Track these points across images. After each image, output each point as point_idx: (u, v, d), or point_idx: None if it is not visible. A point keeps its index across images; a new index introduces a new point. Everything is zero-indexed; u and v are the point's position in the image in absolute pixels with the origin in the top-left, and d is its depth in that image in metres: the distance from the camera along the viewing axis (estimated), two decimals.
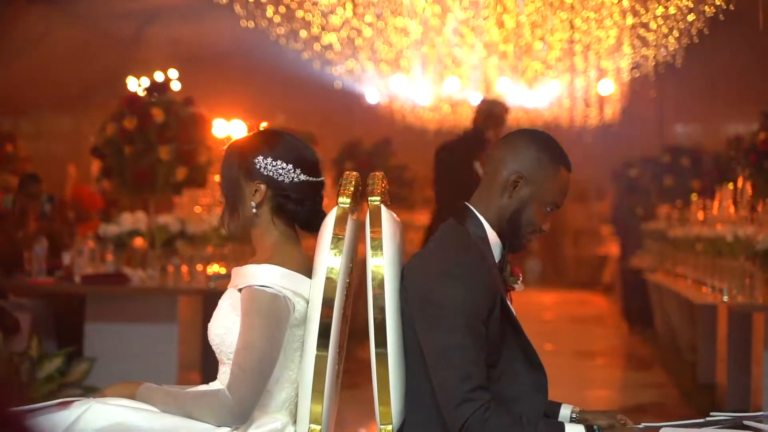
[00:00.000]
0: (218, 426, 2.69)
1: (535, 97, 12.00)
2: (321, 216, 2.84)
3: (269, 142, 2.84)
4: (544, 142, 2.82)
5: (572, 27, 9.10)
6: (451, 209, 2.85)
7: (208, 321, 2.82)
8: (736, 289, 5.85)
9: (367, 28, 9.31)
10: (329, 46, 9.39)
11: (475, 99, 10.69)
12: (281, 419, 2.77)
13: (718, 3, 7.09)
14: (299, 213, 2.83)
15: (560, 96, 11.93)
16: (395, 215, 2.87)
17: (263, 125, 6.69)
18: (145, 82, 6.73)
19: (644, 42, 8.77)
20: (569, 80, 11.28)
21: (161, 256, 6.49)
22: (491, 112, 7.67)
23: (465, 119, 11.06)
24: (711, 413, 2.78)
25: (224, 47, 12.38)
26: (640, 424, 2.79)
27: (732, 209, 6.54)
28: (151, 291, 6.21)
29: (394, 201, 3.17)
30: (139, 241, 6.56)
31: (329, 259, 2.72)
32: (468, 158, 7.41)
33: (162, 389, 2.79)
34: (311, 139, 8.64)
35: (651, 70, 9.10)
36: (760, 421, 2.76)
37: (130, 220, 6.58)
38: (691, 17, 7.76)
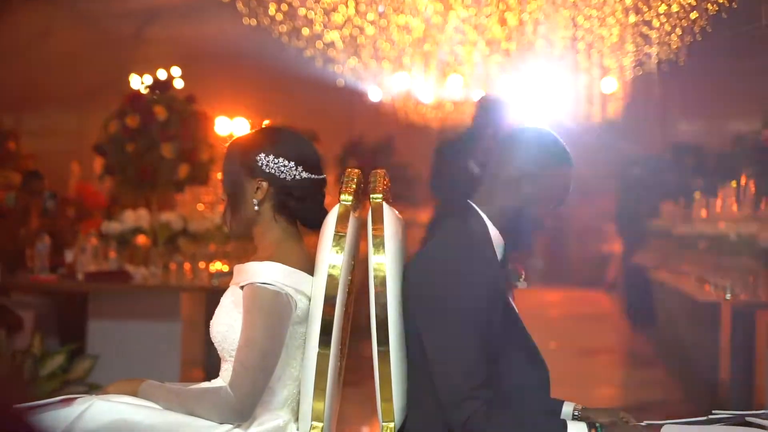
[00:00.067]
0: (220, 423, 2.69)
1: (537, 94, 11.98)
2: (323, 213, 2.84)
3: (271, 139, 2.84)
4: (547, 139, 2.82)
5: (575, 25, 9.08)
6: (449, 206, 2.85)
7: (211, 318, 2.82)
8: (739, 287, 5.84)
9: (370, 26, 9.30)
10: (331, 44, 9.38)
11: (477, 97, 10.68)
12: (283, 416, 2.77)
13: (721, 0, 7.08)
14: (301, 210, 2.83)
15: (563, 94, 11.91)
16: (397, 213, 2.87)
17: (265, 123, 6.69)
18: (148, 79, 6.73)
19: (647, 40, 8.75)
20: (572, 78, 11.26)
21: (164, 253, 6.49)
22: (490, 108, 7.67)
23: (468, 117, 11.04)
24: (713, 411, 2.78)
25: (226, 45, 12.36)
26: (642, 422, 2.78)
27: (735, 207, 6.54)
28: (154, 288, 6.21)
29: (396, 199, 3.16)
30: (141, 239, 6.56)
31: (331, 256, 2.72)
32: (463, 155, 7.42)
33: (164, 386, 2.79)
34: (313, 136, 8.62)
35: (654, 68, 9.07)
36: (763, 419, 2.76)
37: (133, 217, 6.58)
38: (694, 15, 7.74)
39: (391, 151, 11.99)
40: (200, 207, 7.05)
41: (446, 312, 2.64)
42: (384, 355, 2.70)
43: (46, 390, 5.58)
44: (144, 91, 6.65)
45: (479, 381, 2.61)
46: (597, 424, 2.67)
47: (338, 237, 2.74)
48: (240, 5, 8.43)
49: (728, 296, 5.84)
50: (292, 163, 2.81)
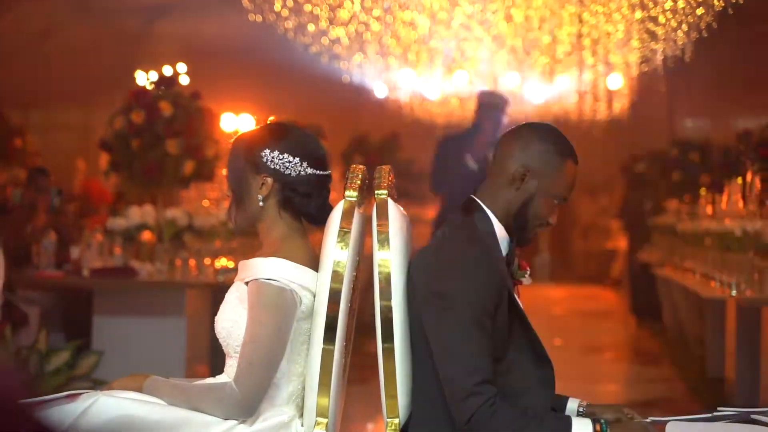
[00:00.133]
0: (225, 419, 2.70)
1: (543, 91, 11.98)
2: (328, 209, 2.83)
3: (276, 135, 2.84)
4: (551, 135, 2.82)
5: (581, 21, 9.08)
6: (455, 202, 2.85)
7: (216, 314, 2.82)
8: (745, 284, 5.83)
9: (375, 22, 9.30)
10: (337, 40, 9.38)
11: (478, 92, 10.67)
12: (288, 412, 2.77)
13: None
14: (306, 206, 2.83)
15: (569, 90, 11.91)
16: (402, 209, 2.87)
17: (270, 119, 6.69)
18: (154, 76, 6.73)
19: (653, 36, 8.74)
20: (578, 74, 11.25)
21: (169, 249, 6.50)
22: (489, 102, 7.67)
23: (473, 113, 11.04)
24: (718, 408, 2.77)
25: (232, 41, 12.37)
26: (647, 418, 2.78)
27: (741, 203, 6.52)
28: (159, 284, 6.22)
29: (402, 195, 3.16)
30: (147, 235, 6.56)
31: (336, 252, 2.72)
32: (462, 151, 7.44)
33: (169, 382, 2.79)
34: (319, 132, 8.64)
35: (660, 65, 9.07)
36: None
37: (138, 213, 6.59)
38: (700, 11, 7.74)
39: (396, 147, 11.97)
40: (206, 203, 7.05)
41: (451, 308, 2.64)
42: (389, 351, 2.69)
43: (52, 386, 5.59)
44: (149, 87, 6.65)
45: (484, 377, 2.61)
46: (602, 421, 2.66)
47: (343, 233, 2.73)
48: (246, 1, 8.44)
49: (734, 293, 5.83)
50: (297, 159, 2.81)
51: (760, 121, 7.23)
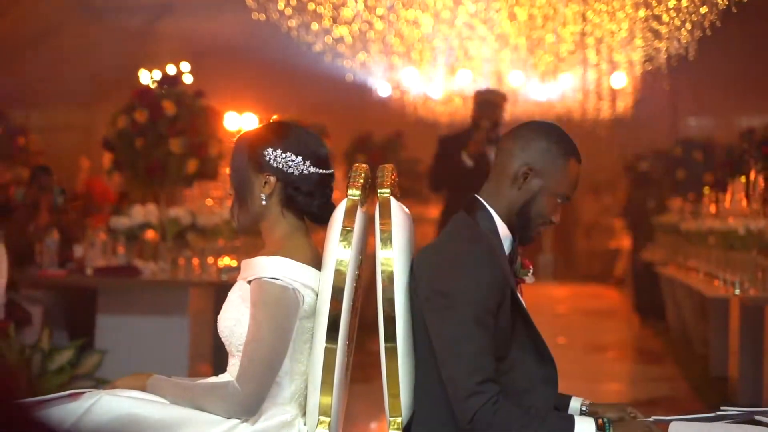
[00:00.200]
0: (228, 417, 2.69)
1: (547, 90, 11.97)
2: (331, 208, 2.83)
3: (278, 134, 2.84)
4: (554, 133, 2.81)
5: (584, 19, 9.07)
6: (458, 201, 2.85)
7: (219, 313, 2.82)
8: (749, 283, 5.83)
9: (379, 21, 9.29)
10: (341, 39, 9.38)
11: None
12: (291, 411, 2.77)
13: None
14: (309, 205, 2.83)
15: (572, 89, 11.90)
16: (405, 208, 2.86)
17: (274, 118, 6.68)
18: (157, 75, 6.73)
19: (657, 34, 8.73)
20: (581, 73, 11.25)
21: (172, 248, 6.50)
22: (486, 100, 7.68)
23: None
24: (721, 407, 2.77)
25: (235, 40, 12.37)
26: (650, 417, 2.78)
27: (744, 202, 6.52)
28: (163, 283, 6.22)
29: (405, 194, 3.16)
30: (150, 234, 6.56)
31: (338, 251, 2.72)
32: (458, 149, 7.45)
33: (172, 381, 2.79)
34: (323, 131, 8.64)
35: (663, 63, 9.06)
36: None
37: (142, 212, 6.59)
38: (703, 9, 7.72)
39: (400, 146, 11.98)
40: (209, 202, 7.05)
41: (453, 307, 2.64)
42: (391, 350, 2.69)
43: (55, 384, 5.60)
44: (153, 86, 6.65)
45: (486, 376, 2.61)
46: (605, 420, 2.66)
47: (346, 232, 2.73)
48: (249, 0, 8.43)
49: (737, 292, 5.83)
50: (299, 158, 2.80)
51: (763, 120, 7.23)
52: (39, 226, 6.97)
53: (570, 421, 2.63)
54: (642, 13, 8.54)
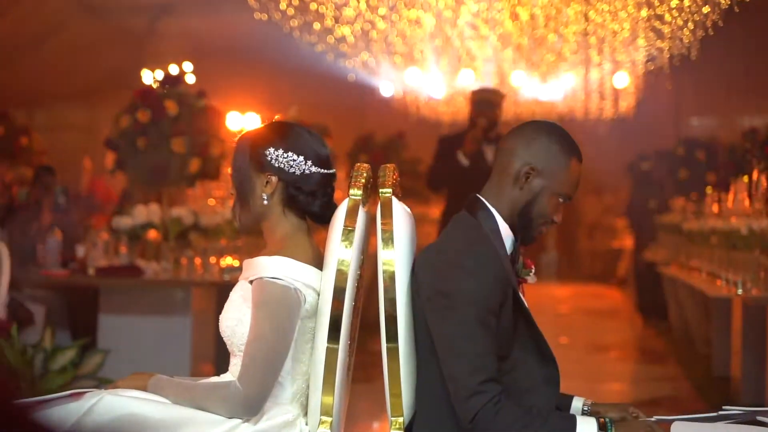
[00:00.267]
0: (229, 417, 2.69)
1: (549, 89, 11.97)
2: (332, 208, 2.83)
3: (280, 133, 2.84)
4: (556, 133, 2.81)
5: (587, 19, 9.07)
6: (460, 200, 2.84)
7: (221, 313, 2.82)
8: (751, 282, 5.82)
9: (381, 21, 9.29)
10: (343, 39, 9.38)
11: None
12: (292, 411, 2.77)
13: None
14: (310, 205, 2.83)
15: (575, 89, 11.90)
16: (407, 208, 2.86)
17: (276, 117, 6.69)
18: (159, 74, 6.74)
19: (659, 34, 8.73)
20: (584, 73, 11.25)
21: (175, 248, 6.50)
22: (483, 99, 7.67)
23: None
24: (724, 407, 2.76)
25: (238, 40, 12.38)
26: (652, 417, 2.77)
27: (747, 202, 6.52)
28: (165, 283, 6.22)
29: (407, 194, 3.16)
30: (152, 234, 6.57)
31: (340, 251, 2.72)
32: (455, 148, 7.45)
33: (174, 381, 2.79)
34: (325, 131, 8.64)
35: (666, 63, 9.06)
36: None
37: (144, 212, 6.59)
38: (706, 9, 7.72)
39: (402, 146, 11.98)
40: (211, 202, 7.05)
41: (455, 307, 2.64)
42: (393, 350, 2.69)
43: (57, 384, 5.60)
44: (155, 86, 6.66)
45: (488, 376, 2.61)
46: (607, 420, 2.66)
47: (347, 231, 2.73)
48: (251, 0, 8.43)
49: (740, 291, 5.82)
50: (301, 158, 2.80)
51: (766, 120, 7.23)
52: (42, 225, 6.98)
53: (572, 421, 2.63)
54: (644, 12, 8.54)
